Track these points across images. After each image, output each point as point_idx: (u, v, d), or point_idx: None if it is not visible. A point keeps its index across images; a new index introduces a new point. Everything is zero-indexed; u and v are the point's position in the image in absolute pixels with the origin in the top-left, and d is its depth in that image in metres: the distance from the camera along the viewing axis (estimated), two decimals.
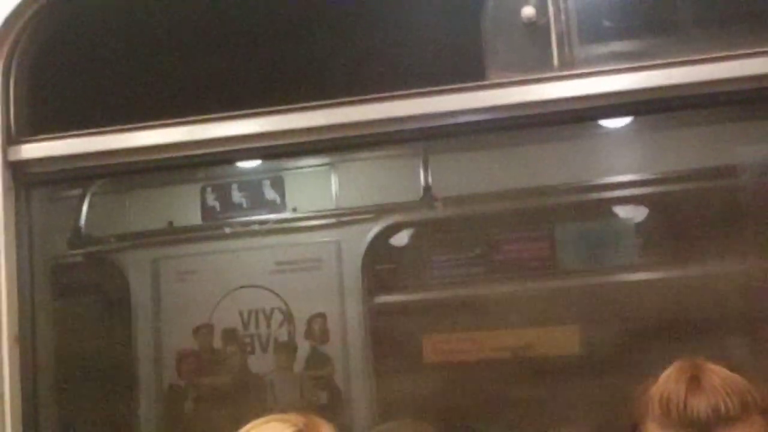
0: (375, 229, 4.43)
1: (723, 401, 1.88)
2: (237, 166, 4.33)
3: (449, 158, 4.23)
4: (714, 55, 2.48)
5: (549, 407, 4.13)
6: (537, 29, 2.64)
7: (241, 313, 4.61)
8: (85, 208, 4.55)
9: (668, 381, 1.96)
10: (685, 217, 4.11)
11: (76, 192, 4.55)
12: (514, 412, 4.16)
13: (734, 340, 3.79)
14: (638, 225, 4.28)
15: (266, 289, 4.58)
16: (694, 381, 1.92)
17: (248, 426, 1.98)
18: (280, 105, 2.81)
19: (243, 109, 2.84)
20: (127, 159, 2.93)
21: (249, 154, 3.15)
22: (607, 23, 2.71)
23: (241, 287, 4.58)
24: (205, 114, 2.87)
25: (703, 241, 4.03)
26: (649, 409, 1.96)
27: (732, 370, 1.98)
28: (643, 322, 4.00)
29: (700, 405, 1.88)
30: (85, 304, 4.66)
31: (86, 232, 4.60)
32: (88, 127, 2.90)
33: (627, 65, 2.56)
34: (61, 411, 3.27)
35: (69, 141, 2.91)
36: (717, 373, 1.95)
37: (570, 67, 2.61)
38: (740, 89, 2.53)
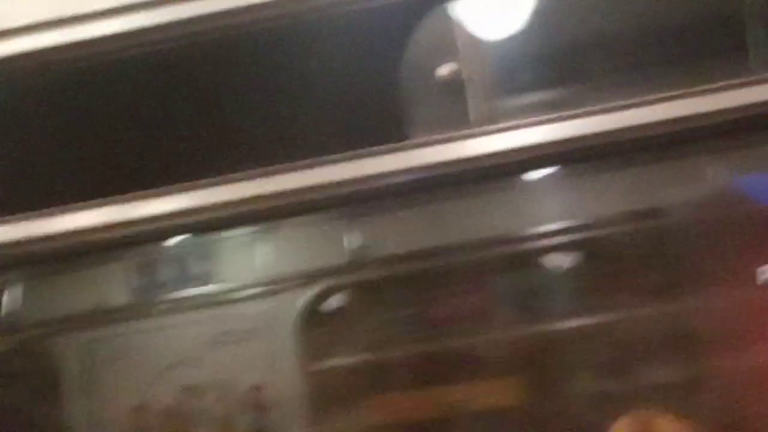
0: (306, 294, 4.39)
1: None
2: (163, 243, 4.28)
3: (376, 219, 4.23)
4: (630, 102, 2.49)
5: None
6: (453, 86, 2.64)
7: (178, 389, 4.54)
8: (5, 296, 4.46)
9: None
10: (616, 261, 4.13)
11: None
12: None
13: (679, 381, 3.80)
14: (571, 271, 4.29)
15: (201, 362, 4.51)
16: None
17: None
18: (199, 179, 2.77)
19: (161, 186, 2.80)
20: (47, 245, 2.88)
21: (175, 231, 3.11)
22: (521, 76, 2.72)
23: (175, 363, 4.51)
24: (126, 192, 2.83)
25: (637, 282, 4.05)
26: None
27: (681, 417, 1.97)
28: (587, 369, 4.00)
29: None
30: (13, 395, 4.57)
31: (10, 320, 4.51)
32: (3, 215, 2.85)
33: (545, 116, 2.56)
34: None
35: None
36: (666, 426, 1.94)
37: (489, 122, 2.61)
38: (658, 133, 2.55)
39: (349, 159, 2.68)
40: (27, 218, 2.85)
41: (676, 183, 3.51)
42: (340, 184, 2.70)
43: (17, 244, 2.84)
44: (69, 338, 4.61)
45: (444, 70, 2.60)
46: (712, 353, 3.38)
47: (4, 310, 4.47)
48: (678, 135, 2.53)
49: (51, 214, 2.84)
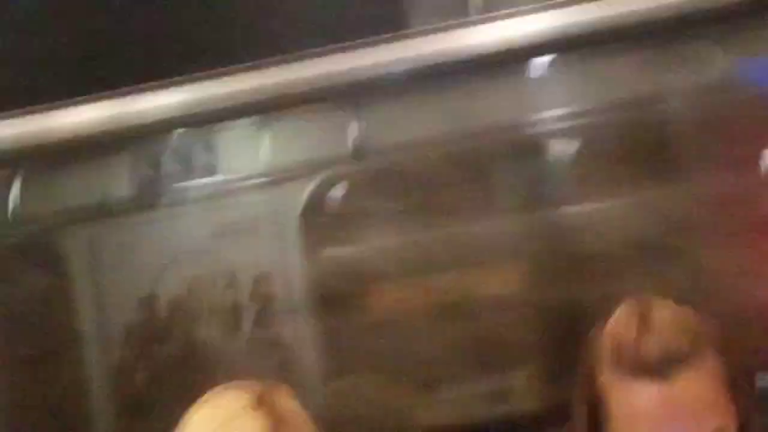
0: (311, 184, 4.40)
1: (673, 340, 1.88)
2: (166, 135, 4.29)
3: (379, 108, 4.21)
4: None
5: (500, 350, 4.15)
6: None
7: (184, 280, 4.57)
8: (15, 189, 4.48)
9: (617, 325, 1.96)
10: (619, 147, 4.13)
11: (5, 173, 4.48)
12: (465, 355, 4.19)
13: (679, 269, 3.82)
14: (573, 158, 4.29)
15: (207, 253, 4.54)
16: (643, 322, 1.92)
17: (205, 397, 1.97)
18: (202, 71, 2.78)
19: (166, 78, 2.81)
20: (54, 138, 2.90)
21: (178, 123, 3.13)
22: None
23: (182, 253, 4.54)
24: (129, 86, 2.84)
25: (638, 169, 4.05)
26: (602, 354, 1.96)
27: (679, 302, 1.98)
28: (588, 256, 4.03)
29: (652, 347, 1.88)
30: (24, 286, 4.62)
31: (19, 213, 4.54)
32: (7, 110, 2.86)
33: (545, 3, 2.56)
34: (10, 396, 3.24)
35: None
36: (665, 311, 1.95)
37: (487, 10, 2.60)
38: (659, 18, 2.55)
39: (350, 49, 2.68)
40: (32, 112, 2.86)
41: (678, 68, 3.50)
42: (340, 74, 2.71)
43: (24, 137, 2.86)
44: (76, 231, 4.63)
45: None
46: (713, 242, 3.40)
47: (12, 204, 4.49)
48: (679, 20, 2.53)
49: (56, 108, 2.86)
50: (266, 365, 4.43)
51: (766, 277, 3.27)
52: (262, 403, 1.88)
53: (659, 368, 1.85)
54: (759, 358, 3.17)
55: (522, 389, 4.14)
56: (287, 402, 1.93)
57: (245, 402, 1.88)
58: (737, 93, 3.31)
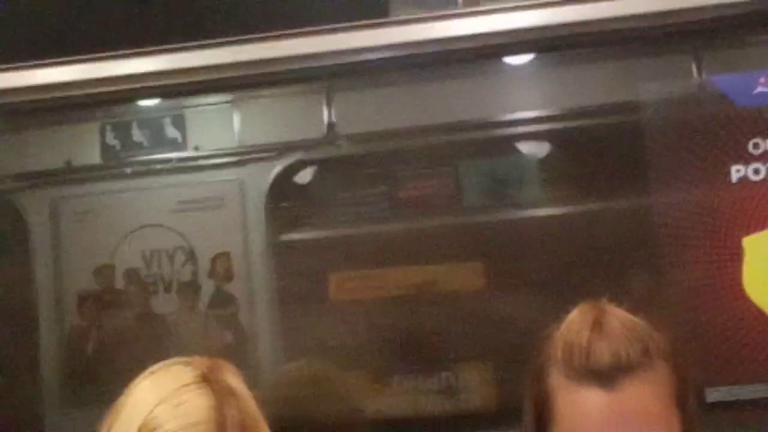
0: (278, 166, 4.39)
1: (625, 348, 1.87)
2: (137, 105, 4.26)
3: (353, 95, 4.21)
4: None
5: (454, 345, 4.16)
6: None
7: (143, 253, 4.54)
8: None
9: (571, 327, 1.95)
10: (588, 153, 4.14)
11: None
12: (418, 349, 4.19)
13: (638, 276, 3.84)
14: (542, 161, 4.30)
15: (168, 228, 4.52)
16: (597, 327, 1.92)
17: (150, 369, 1.94)
18: (180, 42, 2.76)
19: (141, 46, 2.78)
20: (23, 98, 2.87)
21: (149, 93, 3.11)
22: None
23: (143, 227, 4.52)
24: (104, 52, 2.81)
25: (605, 176, 4.07)
26: (552, 355, 1.95)
27: (634, 312, 1.98)
28: (547, 259, 4.04)
29: (603, 353, 1.87)
30: None
31: None
32: None
33: (530, 2, 2.56)
34: None
35: None
36: (619, 318, 1.94)
37: (473, 4, 2.60)
38: (642, 26, 2.55)
39: (331, 32, 2.67)
40: (3, 70, 2.83)
41: (653, 78, 3.51)
42: (318, 56, 2.69)
43: None
44: (39, 193, 4.60)
45: None
46: (678, 253, 3.42)
47: None
48: (659, 29, 2.54)
49: (25, 68, 2.83)
50: (220, 343, 4.42)
51: (722, 292, 3.29)
52: (206, 379, 1.86)
53: (608, 375, 1.85)
54: (708, 372, 3.19)
55: (474, 386, 4.15)
56: (232, 379, 1.91)
57: (190, 377, 1.86)
58: (709, 107, 3.33)
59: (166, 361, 1.93)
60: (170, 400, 1.82)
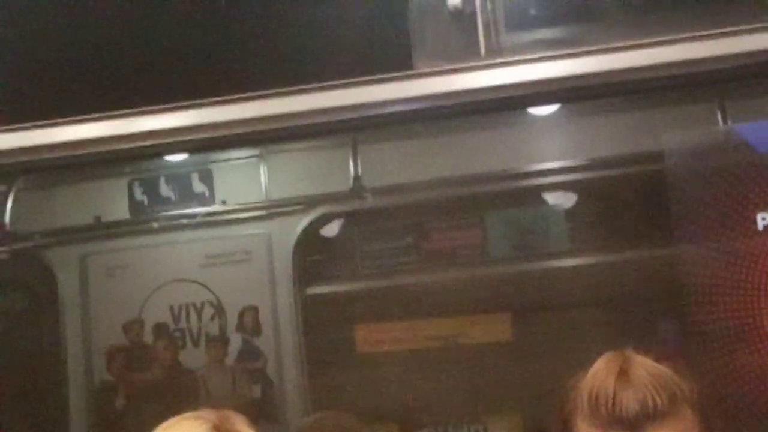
0: (305, 220, 4.40)
1: (651, 396, 1.87)
2: (164, 160, 4.29)
3: (378, 148, 4.23)
4: (639, 42, 2.50)
5: (482, 396, 4.15)
6: (464, 17, 2.64)
7: (171, 308, 4.57)
8: (9, 204, 4.48)
9: (596, 376, 1.94)
10: (613, 203, 4.14)
11: (1, 188, 4.48)
12: (446, 400, 4.18)
13: (664, 325, 3.83)
14: (567, 211, 4.30)
15: (197, 282, 4.54)
16: (623, 376, 1.91)
17: (162, 426, 1.95)
18: (207, 98, 2.78)
19: (170, 102, 2.80)
20: (52, 154, 2.89)
21: (176, 148, 3.13)
22: (533, 11, 2.71)
23: (171, 281, 4.54)
24: (132, 108, 2.84)
25: (631, 226, 4.07)
26: (579, 405, 1.94)
27: (659, 360, 1.97)
28: (574, 309, 4.03)
29: (629, 402, 1.86)
30: (11, 302, 4.61)
31: (12, 229, 4.53)
32: (9, 123, 2.86)
33: (554, 53, 2.57)
34: None
35: None
36: (645, 367, 1.93)
37: (497, 55, 2.61)
38: (665, 75, 2.55)
39: (357, 85, 2.68)
40: (33, 127, 2.86)
41: (678, 127, 3.51)
42: (344, 109, 2.70)
43: (23, 151, 2.85)
44: (68, 249, 4.63)
45: (455, 1, 2.60)
46: (705, 301, 3.40)
47: (9, 218, 4.49)
48: (681, 78, 2.54)
49: (57, 125, 2.86)
50: (248, 397, 4.41)
51: (750, 342, 3.26)
52: (220, 430, 1.87)
53: (635, 423, 1.84)
54: (737, 419, 3.16)
55: None
56: (244, 429, 1.92)
57: (205, 430, 1.87)
58: (734, 156, 3.32)
59: (176, 417, 1.94)
60: None
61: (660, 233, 3.80)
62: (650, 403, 1.86)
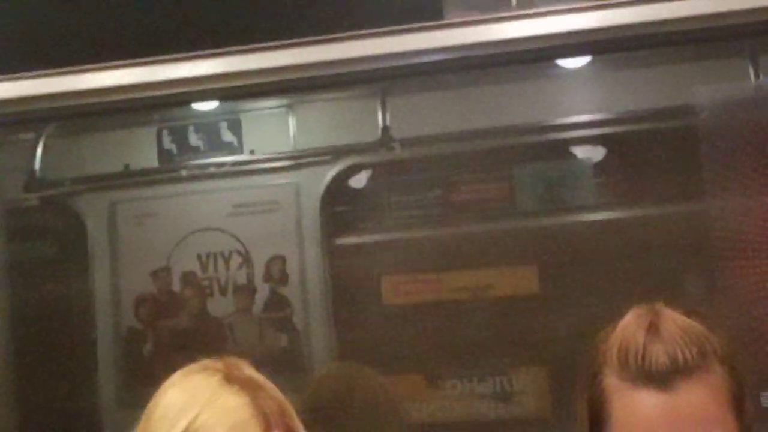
0: (333, 170, 4.40)
1: (681, 351, 1.85)
2: (193, 108, 4.29)
3: (408, 99, 4.22)
4: None
5: (508, 349, 4.15)
6: None
7: (199, 256, 4.58)
8: (39, 151, 4.50)
9: (626, 330, 1.93)
10: (643, 157, 4.12)
11: (30, 135, 4.50)
12: (473, 353, 4.19)
13: (693, 280, 3.81)
14: (597, 165, 4.28)
15: (224, 231, 4.55)
16: (652, 329, 1.90)
17: (170, 381, 1.94)
18: (236, 45, 2.78)
19: (199, 50, 2.80)
20: (81, 101, 2.90)
21: (205, 96, 3.13)
22: None
23: (199, 230, 4.55)
24: (161, 55, 2.83)
25: (661, 181, 4.05)
26: (607, 358, 1.94)
27: (690, 315, 1.96)
28: (602, 263, 4.02)
29: (659, 355, 1.85)
30: (40, 249, 4.64)
31: (41, 176, 4.56)
32: (40, 68, 2.86)
33: (585, 4, 2.55)
34: (17, 357, 3.26)
35: (20, 83, 2.87)
36: (675, 321, 1.92)
37: (528, 6, 2.59)
38: (698, 28, 2.53)
39: (386, 35, 2.67)
40: (62, 73, 2.86)
41: (709, 81, 3.49)
42: (372, 59, 2.70)
43: (52, 97, 2.86)
44: (97, 197, 4.65)
45: None
46: (734, 257, 3.39)
47: (38, 165, 4.51)
48: (714, 32, 2.52)
49: (83, 71, 2.86)
50: (275, 346, 4.44)
51: None
52: (231, 378, 1.88)
53: (664, 377, 1.84)
54: (764, 376, 3.15)
55: (528, 390, 4.13)
56: (252, 372, 1.93)
57: (216, 381, 1.87)
58: (766, 111, 3.30)
59: (183, 371, 1.94)
60: (210, 405, 1.84)
61: (690, 188, 3.79)
62: (680, 357, 1.85)
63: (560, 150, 4.30)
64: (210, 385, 1.87)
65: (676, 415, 1.84)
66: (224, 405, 1.84)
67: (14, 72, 2.85)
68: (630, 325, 1.95)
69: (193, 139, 4.57)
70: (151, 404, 1.92)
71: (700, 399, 1.85)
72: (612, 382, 1.92)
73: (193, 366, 1.94)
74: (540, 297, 4.16)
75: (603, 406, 1.94)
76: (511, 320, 4.17)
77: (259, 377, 1.93)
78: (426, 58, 2.67)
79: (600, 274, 3.97)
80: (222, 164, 4.53)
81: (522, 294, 4.20)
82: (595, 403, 1.96)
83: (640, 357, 1.86)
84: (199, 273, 4.58)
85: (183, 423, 1.84)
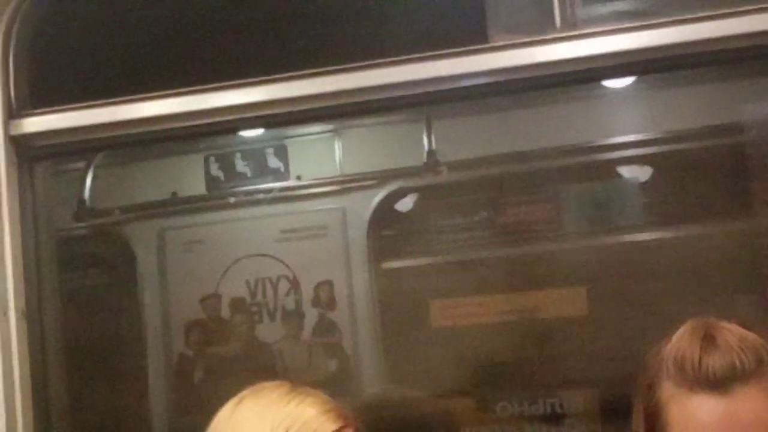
0: (380, 194, 4.42)
1: (738, 358, 1.86)
2: (240, 135, 4.32)
3: (453, 122, 4.23)
4: (716, 12, 2.47)
5: (558, 370, 4.14)
6: None
7: (247, 282, 4.60)
8: (89, 180, 4.55)
9: (682, 340, 1.94)
10: (690, 176, 4.10)
11: (80, 165, 4.55)
12: (522, 375, 4.18)
13: (743, 297, 3.79)
14: (643, 185, 4.27)
15: (272, 257, 4.57)
16: (708, 339, 1.91)
17: (233, 403, 1.96)
18: (282, 73, 2.80)
19: (245, 78, 2.83)
20: (129, 130, 2.93)
21: (252, 123, 3.15)
22: None
23: (247, 256, 4.57)
24: (207, 84, 2.86)
25: (708, 199, 4.03)
26: (663, 368, 1.94)
27: (744, 327, 1.96)
28: (650, 283, 4.00)
29: (716, 362, 1.86)
30: (91, 277, 4.68)
31: (91, 205, 4.60)
32: (90, 99, 2.90)
33: (629, 24, 2.55)
34: (70, 385, 3.28)
35: (71, 114, 2.91)
36: (731, 331, 1.93)
37: (572, 28, 2.60)
38: (743, 46, 2.52)
39: (431, 59, 2.68)
40: (112, 104, 2.90)
41: (756, 99, 3.47)
42: (418, 83, 2.71)
43: (102, 127, 2.89)
44: (146, 225, 4.68)
45: None
46: None
47: (88, 194, 4.56)
48: (758, 50, 2.51)
49: (134, 101, 2.89)
50: (324, 371, 4.44)
51: None
52: (299, 387, 1.92)
53: (721, 383, 1.84)
54: None
55: (578, 412, 4.11)
56: (316, 392, 1.97)
57: (287, 388, 1.90)
58: None
59: (250, 389, 1.96)
60: (285, 407, 1.86)
61: (738, 206, 3.77)
62: (737, 363, 1.86)
63: (607, 170, 4.29)
64: (282, 393, 1.90)
65: (734, 419, 1.84)
66: (301, 402, 1.87)
67: (65, 103, 2.88)
68: (685, 335, 1.95)
69: (240, 166, 4.60)
70: (221, 419, 1.93)
71: (757, 404, 1.85)
72: (669, 390, 1.92)
73: (258, 386, 1.96)
74: (589, 318, 4.15)
75: (660, 415, 1.94)
76: (560, 341, 4.16)
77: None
78: (471, 82, 2.67)
79: (649, 294, 3.95)
80: (269, 190, 4.55)
81: (571, 315, 4.19)
82: (652, 414, 1.97)
83: (696, 364, 1.87)
84: (248, 299, 4.60)
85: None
